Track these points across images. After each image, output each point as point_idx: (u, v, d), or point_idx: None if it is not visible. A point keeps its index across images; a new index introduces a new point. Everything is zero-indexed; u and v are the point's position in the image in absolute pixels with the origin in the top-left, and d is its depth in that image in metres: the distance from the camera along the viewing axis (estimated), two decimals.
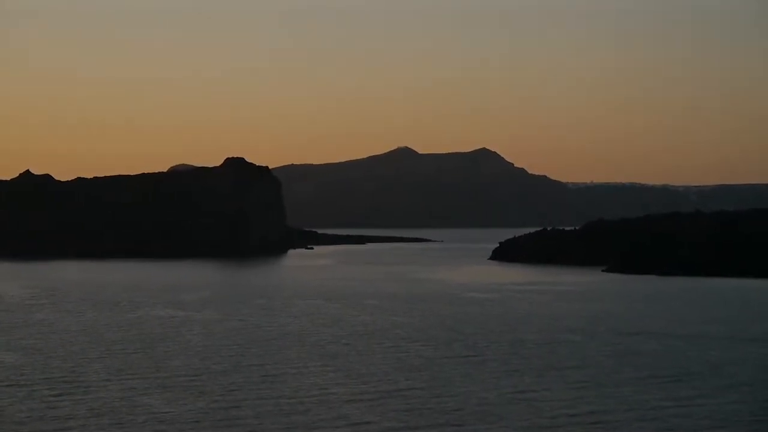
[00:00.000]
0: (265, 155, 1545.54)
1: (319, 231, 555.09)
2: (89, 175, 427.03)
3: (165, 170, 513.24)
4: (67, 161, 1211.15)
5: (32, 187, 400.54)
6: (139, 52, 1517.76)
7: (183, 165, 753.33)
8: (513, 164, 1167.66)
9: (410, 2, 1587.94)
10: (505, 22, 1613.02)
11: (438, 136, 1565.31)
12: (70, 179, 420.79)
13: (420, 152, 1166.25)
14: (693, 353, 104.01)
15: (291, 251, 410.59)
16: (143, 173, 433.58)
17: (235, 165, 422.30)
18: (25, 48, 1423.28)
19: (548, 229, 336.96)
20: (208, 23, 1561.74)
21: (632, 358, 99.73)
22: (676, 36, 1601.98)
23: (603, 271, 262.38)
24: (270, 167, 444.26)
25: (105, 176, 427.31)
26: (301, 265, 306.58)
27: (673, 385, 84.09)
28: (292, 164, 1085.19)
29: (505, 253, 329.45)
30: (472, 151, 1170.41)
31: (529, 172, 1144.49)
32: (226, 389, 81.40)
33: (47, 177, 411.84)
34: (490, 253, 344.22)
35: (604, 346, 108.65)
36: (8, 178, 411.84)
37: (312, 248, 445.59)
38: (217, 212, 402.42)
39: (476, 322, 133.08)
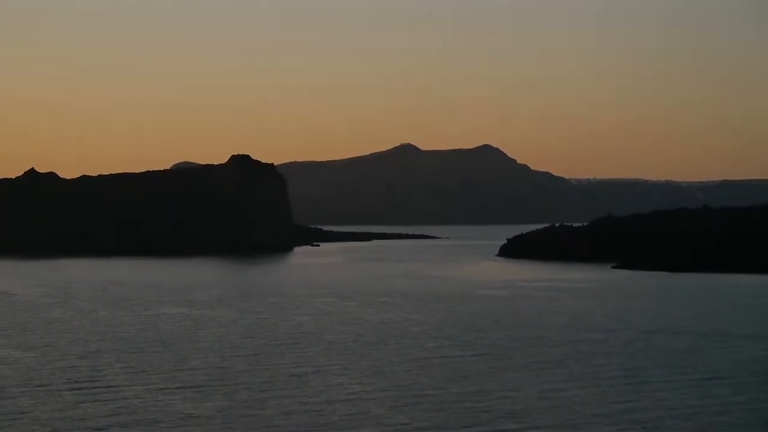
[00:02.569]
0: (270, 152, 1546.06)
1: (324, 228, 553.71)
2: (93, 173, 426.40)
3: (169, 168, 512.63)
4: (72, 159, 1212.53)
5: (37, 185, 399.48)
6: (143, 49, 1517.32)
7: (187, 163, 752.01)
8: (516, 160, 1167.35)
9: (412, 1, 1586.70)
10: (507, 19, 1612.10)
11: (441, 133, 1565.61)
12: (74, 177, 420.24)
13: (423, 149, 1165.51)
14: (721, 351, 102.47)
15: (297, 248, 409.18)
16: (148, 171, 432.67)
17: (240, 162, 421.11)
18: (28, 46, 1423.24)
19: (556, 225, 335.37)
20: (209, 21, 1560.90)
21: (660, 356, 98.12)
22: (680, 33, 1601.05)
23: (613, 267, 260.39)
24: (275, 164, 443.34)
25: (109, 174, 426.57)
26: (309, 262, 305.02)
27: (706, 384, 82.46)
28: (297, 161, 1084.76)
29: (513, 250, 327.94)
30: (474, 148, 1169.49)
31: (532, 168, 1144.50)
32: (251, 389, 79.88)
33: (52, 175, 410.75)
34: (498, 249, 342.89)
35: (629, 344, 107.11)
36: (13, 177, 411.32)
37: (318, 245, 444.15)
38: (223, 210, 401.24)
39: (494, 320, 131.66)
